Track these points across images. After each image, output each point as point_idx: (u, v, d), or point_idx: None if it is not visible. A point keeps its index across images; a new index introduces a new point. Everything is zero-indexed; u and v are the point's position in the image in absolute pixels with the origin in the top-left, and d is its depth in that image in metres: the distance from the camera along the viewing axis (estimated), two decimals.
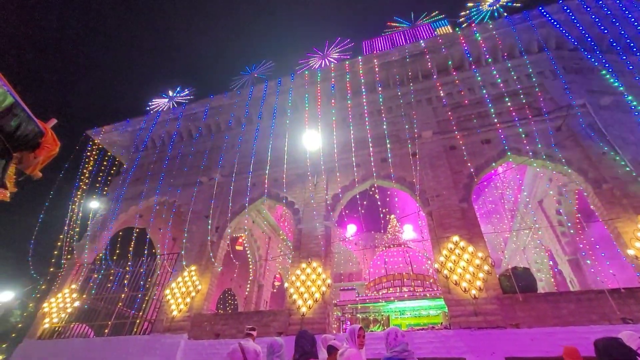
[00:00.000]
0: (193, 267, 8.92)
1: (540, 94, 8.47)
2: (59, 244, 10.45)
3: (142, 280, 9.39)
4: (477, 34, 9.52)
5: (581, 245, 8.54)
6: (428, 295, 10.57)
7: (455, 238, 7.03)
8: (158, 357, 7.41)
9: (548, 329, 5.65)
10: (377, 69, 10.28)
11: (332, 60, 12.52)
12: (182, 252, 9.34)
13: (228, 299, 16.04)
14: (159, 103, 14.89)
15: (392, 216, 15.52)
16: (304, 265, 7.89)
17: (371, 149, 8.99)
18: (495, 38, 9.40)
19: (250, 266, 12.74)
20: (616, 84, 7.67)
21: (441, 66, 9.93)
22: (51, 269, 10.27)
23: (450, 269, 6.70)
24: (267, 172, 9.83)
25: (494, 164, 8.06)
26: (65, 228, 10.64)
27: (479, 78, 9.17)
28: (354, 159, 8.99)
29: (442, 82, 9.62)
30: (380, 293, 12.01)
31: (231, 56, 45.55)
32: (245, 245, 12.99)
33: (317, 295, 7.37)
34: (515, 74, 9.03)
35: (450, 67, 9.63)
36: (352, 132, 9.50)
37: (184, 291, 8.52)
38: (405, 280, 12.19)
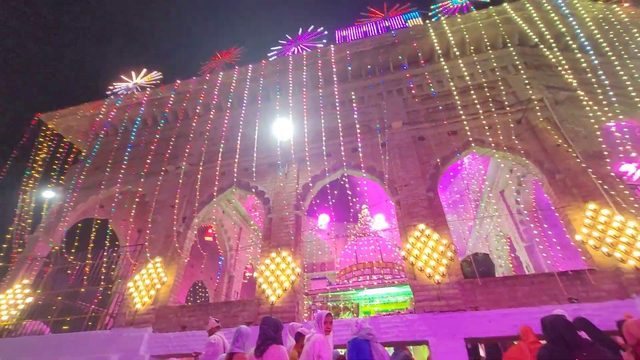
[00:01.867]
0: (158, 259, 8.58)
1: (503, 88, 8.80)
2: (8, 236, 9.68)
3: (103, 273, 8.91)
4: (446, 27, 9.69)
5: (535, 232, 9.11)
6: (396, 282, 10.87)
7: (422, 226, 7.23)
8: (121, 351, 7.10)
9: (504, 310, 5.98)
10: (349, 59, 10.21)
11: (304, 47, 12.29)
12: (147, 244, 8.95)
13: (199, 291, 15.70)
14: (122, 87, 13.98)
15: (364, 206, 15.75)
16: (273, 254, 7.83)
17: (342, 138, 8.99)
18: (463, 32, 9.62)
19: (221, 257, 12.48)
20: (571, 81, 8.11)
21: (411, 58, 10.04)
22: (0, 264, 9.51)
23: (416, 256, 6.90)
24: (236, 161, 9.57)
25: (459, 154, 8.33)
26: (16, 220, 9.86)
27: (447, 71, 9.38)
28: (324, 148, 8.95)
29: (412, 73, 9.75)
30: (350, 281, 12.22)
31: (200, 41, 43.63)
32: (215, 235, 12.68)
33: (287, 285, 7.35)
34: (480, 68, 9.32)
35: (420, 58, 9.75)
36: (323, 121, 9.42)
37: (148, 283, 8.19)
38: (375, 268, 12.46)
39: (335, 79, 10.16)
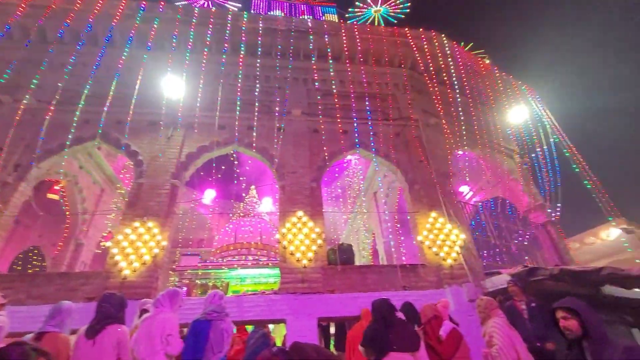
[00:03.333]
0: None
1: (391, 102, 9.89)
2: None
3: None
4: (357, 33, 10.28)
5: (390, 230, 10.71)
6: (270, 264, 11.14)
7: (300, 213, 7.54)
8: None
9: (355, 294, 6.79)
10: (260, 32, 9.74)
11: (216, 2, 11.11)
12: None
13: (33, 260, 12.73)
14: None
15: (252, 187, 15.55)
16: (136, 224, 6.92)
17: (238, 113, 8.54)
18: (369, 42, 10.37)
19: (67, 220, 10.31)
20: (439, 110, 9.73)
21: (321, 51, 10.26)
22: None
23: (290, 240, 7.17)
24: (106, 109, 7.98)
25: (345, 153, 9.01)
26: None
27: (350, 74, 9.96)
28: (218, 119, 8.35)
29: (319, 67, 9.97)
30: (224, 260, 11.93)
31: None
32: (64, 194, 10.38)
33: (147, 258, 6.62)
34: (377, 79, 10.24)
35: (329, 55, 10.07)
36: (221, 90, 8.76)
37: None
38: (252, 249, 12.49)
39: (242, 49, 9.55)
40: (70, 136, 7.69)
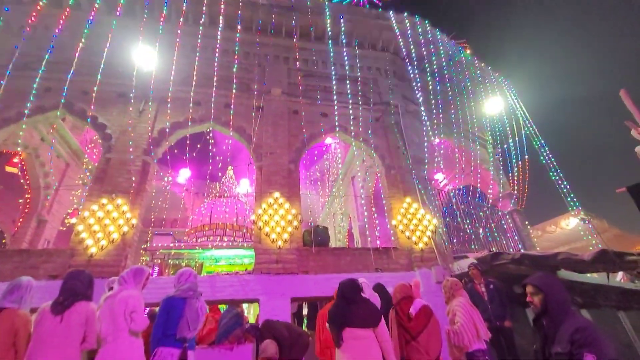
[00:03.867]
0: None
1: (372, 87, 9.86)
2: None
3: None
4: (341, 13, 10.05)
5: (366, 214, 10.92)
6: (245, 245, 11.11)
7: (277, 194, 7.50)
8: None
9: (328, 275, 6.92)
10: (241, 4, 9.30)
11: None
12: None
13: None
14: None
15: (230, 167, 15.26)
16: (104, 200, 6.64)
17: (215, 89, 8.23)
18: (353, 24, 10.18)
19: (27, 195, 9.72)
20: (419, 97, 9.83)
21: (304, 30, 9.97)
22: None
23: (265, 221, 7.15)
24: (71, 78, 7.44)
25: (324, 136, 8.96)
26: None
27: (332, 55, 9.79)
28: (193, 94, 8.01)
29: (301, 46, 9.72)
30: (199, 240, 11.77)
31: None
32: (25, 167, 9.74)
33: (116, 236, 6.41)
34: (360, 63, 10.13)
35: (312, 34, 9.81)
36: (197, 64, 8.38)
37: None
38: (228, 230, 12.37)
39: (222, 22, 9.11)
40: (29, 105, 7.14)
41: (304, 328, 7.11)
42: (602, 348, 1.78)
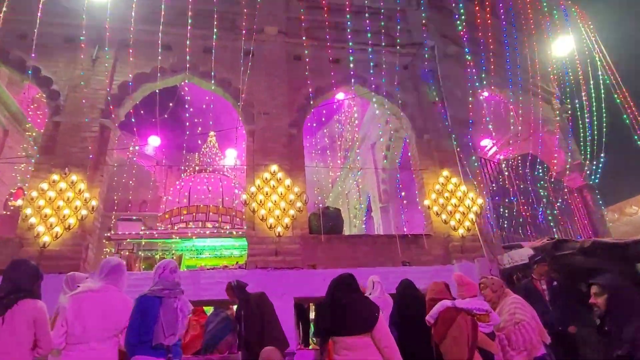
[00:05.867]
0: None
1: (400, 22, 9.55)
2: None
3: None
4: None
5: (390, 192, 10.99)
6: (235, 232, 11.35)
7: (274, 167, 7.55)
8: None
9: (340, 270, 7.06)
10: None
11: None
12: None
13: None
14: None
15: (212, 133, 15.25)
16: (55, 177, 6.79)
17: (190, 29, 8.08)
18: None
19: None
20: (462, 35, 9.51)
21: None
22: None
23: (261, 202, 7.24)
24: (4, 17, 7.37)
25: (335, 90, 8.88)
26: None
27: None
28: (161, 36, 7.90)
29: None
30: (176, 227, 12.05)
31: None
32: None
33: (73, 222, 6.61)
34: None
35: None
36: None
37: None
38: (211, 213, 12.60)
39: None
40: None
41: (310, 335, 7.32)
42: None
